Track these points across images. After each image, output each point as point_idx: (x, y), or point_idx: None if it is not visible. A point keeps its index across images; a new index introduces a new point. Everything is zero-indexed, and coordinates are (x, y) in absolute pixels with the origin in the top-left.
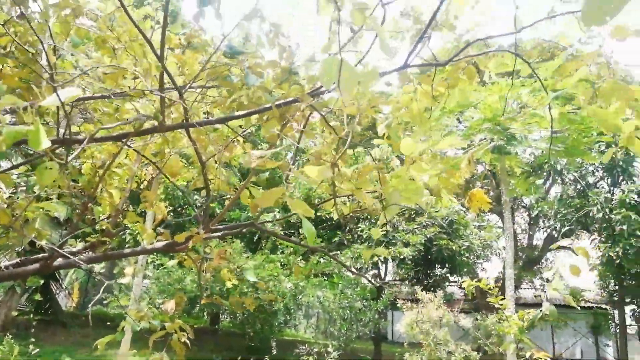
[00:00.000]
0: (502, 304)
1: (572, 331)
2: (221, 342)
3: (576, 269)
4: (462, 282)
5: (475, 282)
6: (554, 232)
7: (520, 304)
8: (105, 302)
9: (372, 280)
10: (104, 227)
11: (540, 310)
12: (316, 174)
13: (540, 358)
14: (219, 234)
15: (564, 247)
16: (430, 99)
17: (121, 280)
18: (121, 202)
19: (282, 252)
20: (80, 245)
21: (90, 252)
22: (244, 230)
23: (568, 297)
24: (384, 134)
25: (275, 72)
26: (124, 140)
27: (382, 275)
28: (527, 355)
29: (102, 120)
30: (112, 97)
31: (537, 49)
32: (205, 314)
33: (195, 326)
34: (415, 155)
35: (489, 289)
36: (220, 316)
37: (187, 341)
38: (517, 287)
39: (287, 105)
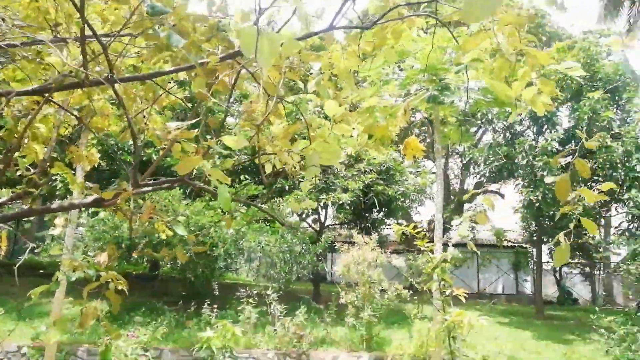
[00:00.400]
0: (427, 246)
1: (496, 268)
2: (161, 288)
3: (489, 201)
4: (393, 226)
5: (404, 226)
6: (483, 178)
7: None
8: (37, 250)
9: (312, 225)
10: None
11: (444, 257)
12: (234, 144)
13: (459, 294)
14: (148, 189)
15: (492, 192)
16: (357, 58)
17: (52, 232)
18: (48, 150)
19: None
20: (6, 196)
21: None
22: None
23: (469, 241)
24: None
25: (204, 28)
26: (46, 95)
27: (323, 220)
28: (448, 292)
29: (22, 65)
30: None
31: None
32: (145, 260)
33: (135, 272)
34: (340, 115)
35: (417, 232)
36: (161, 262)
37: (125, 290)
38: (448, 229)
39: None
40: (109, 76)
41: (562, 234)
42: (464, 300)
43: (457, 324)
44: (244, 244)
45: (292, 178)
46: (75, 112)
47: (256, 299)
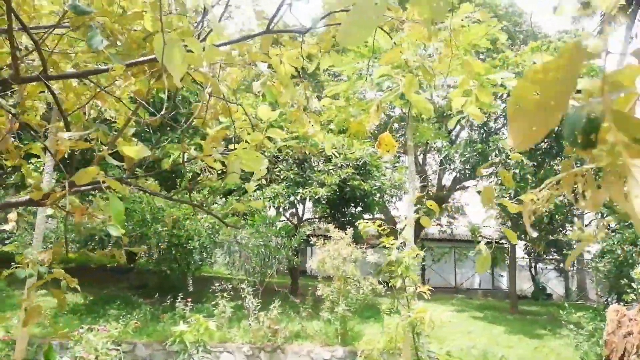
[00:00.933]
0: (391, 244)
1: (472, 263)
2: (137, 280)
3: (435, 205)
4: (358, 223)
5: (369, 224)
6: (460, 174)
7: (427, 239)
8: (7, 241)
9: (290, 219)
10: None
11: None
12: (134, 154)
13: (424, 291)
14: (82, 188)
15: (469, 188)
16: (298, 61)
17: (5, 227)
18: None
19: (200, 192)
20: None
21: None
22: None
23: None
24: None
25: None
26: None
27: (301, 214)
28: (411, 289)
29: None
30: None
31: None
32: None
33: (110, 265)
34: (295, 116)
35: (383, 230)
36: (137, 254)
37: (75, 285)
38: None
39: (149, 62)
40: (43, 71)
41: (482, 243)
42: (427, 297)
43: (419, 320)
44: (219, 237)
45: (287, 159)
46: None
47: (232, 293)
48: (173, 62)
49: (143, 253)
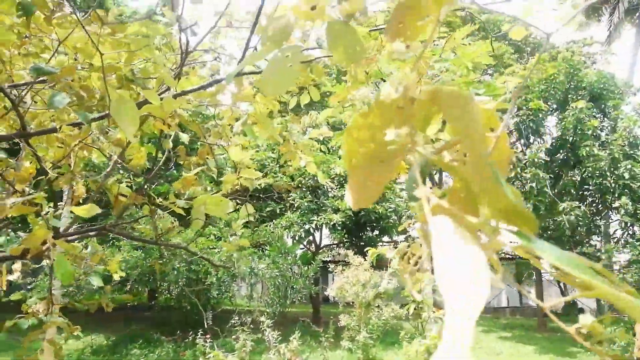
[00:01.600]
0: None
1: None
2: (158, 317)
3: None
4: (367, 249)
5: (378, 250)
6: None
7: None
8: (29, 286)
9: (308, 247)
10: None
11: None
12: (84, 213)
13: (439, 315)
14: (69, 238)
15: None
16: (272, 101)
17: (10, 277)
18: None
19: (214, 225)
20: None
21: None
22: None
23: None
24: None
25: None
26: None
27: (318, 241)
28: (424, 314)
29: None
30: None
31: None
32: (145, 289)
33: (129, 304)
34: (246, 161)
35: (393, 257)
36: (158, 291)
37: (80, 333)
38: None
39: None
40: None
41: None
42: (440, 321)
43: (434, 346)
44: (236, 271)
45: (301, 187)
46: None
47: (251, 326)
48: (123, 118)
49: (163, 290)
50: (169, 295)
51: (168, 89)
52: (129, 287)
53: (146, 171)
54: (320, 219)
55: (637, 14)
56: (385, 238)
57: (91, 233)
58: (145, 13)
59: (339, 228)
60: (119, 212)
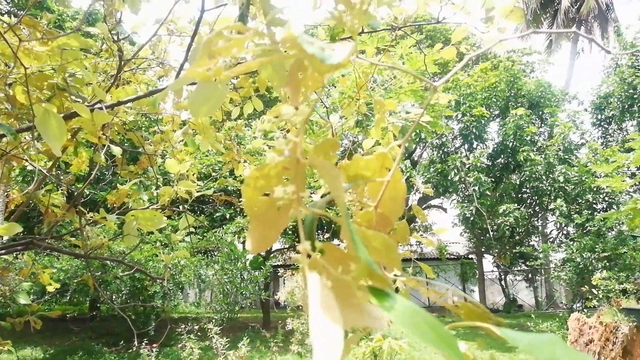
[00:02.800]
0: None
1: (444, 281)
2: (100, 328)
3: (420, 211)
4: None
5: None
6: (424, 194)
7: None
8: None
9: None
10: None
11: None
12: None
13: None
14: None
15: (435, 206)
16: (215, 112)
17: None
18: None
19: (161, 232)
20: None
21: None
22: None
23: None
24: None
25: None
26: None
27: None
28: None
29: None
30: None
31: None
32: (86, 299)
33: (69, 315)
34: (184, 171)
35: None
36: (99, 300)
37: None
38: None
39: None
40: None
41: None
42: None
43: (378, 348)
44: (182, 278)
45: (234, 206)
46: None
47: (199, 334)
48: (49, 133)
49: (105, 299)
50: (109, 305)
51: (101, 100)
52: (68, 297)
53: (83, 180)
54: None
55: (573, 28)
56: (336, 241)
57: (18, 247)
58: (74, 27)
59: (290, 232)
60: (49, 225)
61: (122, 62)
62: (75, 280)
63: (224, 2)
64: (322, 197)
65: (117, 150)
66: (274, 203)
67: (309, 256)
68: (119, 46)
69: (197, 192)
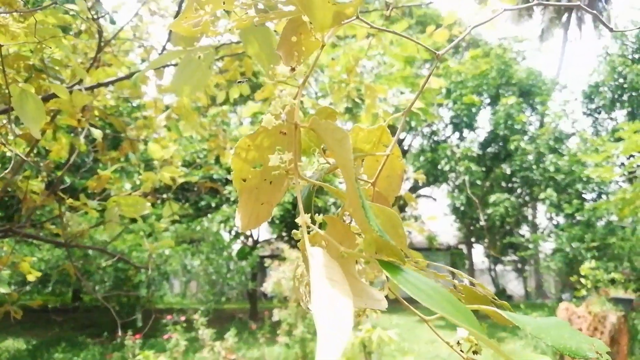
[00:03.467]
0: None
1: (433, 269)
2: (84, 319)
3: (410, 196)
4: None
5: None
6: (415, 183)
7: None
8: None
9: (245, 242)
10: None
11: None
12: None
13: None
14: None
15: (425, 196)
16: (199, 95)
17: None
18: None
19: (145, 220)
20: None
21: None
22: None
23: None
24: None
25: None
26: None
27: (256, 236)
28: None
29: None
30: None
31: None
32: (69, 289)
33: (51, 306)
34: (166, 157)
35: None
36: (82, 291)
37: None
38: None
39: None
40: None
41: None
42: (375, 315)
43: (368, 339)
44: (167, 268)
45: (219, 194)
46: None
47: (185, 324)
48: (26, 115)
49: (87, 290)
50: (93, 296)
51: (81, 80)
52: (50, 287)
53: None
54: None
55: (565, 16)
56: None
57: None
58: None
59: (277, 222)
60: (28, 212)
61: (102, 42)
62: (57, 270)
63: None
64: (316, 170)
65: (97, 134)
66: (266, 175)
67: (309, 231)
68: (98, 25)
69: (181, 178)
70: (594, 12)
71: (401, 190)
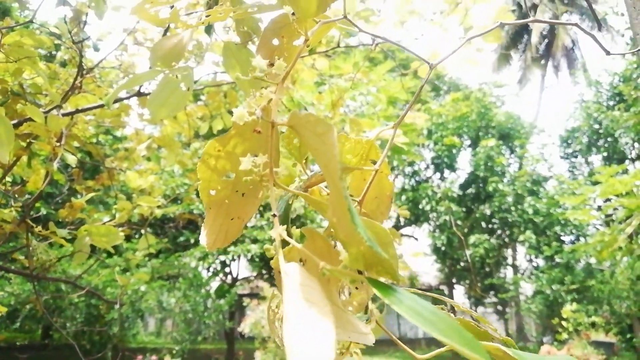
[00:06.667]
0: None
1: None
2: (53, 358)
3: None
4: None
5: None
6: (397, 222)
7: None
8: None
9: (224, 280)
10: None
11: None
12: None
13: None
14: None
15: (406, 236)
16: (180, 125)
17: None
18: None
19: (121, 255)
20: None
21: None
22: None
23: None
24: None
25: None
26: None
27: (236, 273)
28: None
29: None
30: None
31: None
32: (39, 326)
33: (19, 343)
34: (144, 187)
35: None
36: (52, 329)
37: None
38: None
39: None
40: None
41: (372, 305)
42: (357, 356)
43: None
44: (142, 305)
45: (199, 229)
46: None
47: None
48: None
49: (58, 327)
50: (62, 334)
51: (60, 106)
52: (18, 323)
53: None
54: (238, 249)
55: (541, 62)
56: None
57: None
58: (24, 22)
59: (257, 260)
60: None
61: (84, 69)
62: (27, 306)
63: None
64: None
65: (71, 159)
66: (238, 186)
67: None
68: (78, 48)
69: (159, 208)
70: (592, 33)
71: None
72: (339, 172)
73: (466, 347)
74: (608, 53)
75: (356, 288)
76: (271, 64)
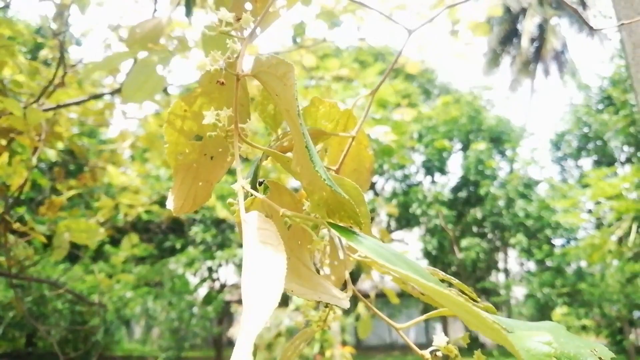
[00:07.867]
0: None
1: (406, 318)
2: None
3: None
4: None
5: None
6: (388, 226)
7: (362, 295)
8: None
9: (212, 285)
10: None
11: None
12: None
13: (345, 354)
14: None
15: (397, 240)
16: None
17: None
18: None
19: (106, 261)
20: None
21: None
22: None
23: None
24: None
25: None
26: None
27: (223, 279)
28: (328, 353)
29: None
30: None
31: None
32: (23, 334)
33: (1, 352)
34: (127, 184)
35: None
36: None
37: None
38: (356, 280)
39: None
40: None
41: (361, 305)
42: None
43: None
44: (127, 312)
45: (203, 221)
46: None
47: None
48: None
49: (42, 335)
50: (46, 341)
51: (38, 99)
52: (1, 331)
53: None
54: (225, 254)
55: (530, 67)
56: None
57: None
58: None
59: None
60: None
61: (66, 65)
62: (10, 313)
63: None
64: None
65: (52, 154)
66: (207, 148)
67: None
68: (60, 41)
69: (143, 207)
70: (575, 8)
71: (374, 233)
72: (298, 110)
73: (416, 274)
74: (592, 29)
75: (335, 263)
76: (238, 18)
